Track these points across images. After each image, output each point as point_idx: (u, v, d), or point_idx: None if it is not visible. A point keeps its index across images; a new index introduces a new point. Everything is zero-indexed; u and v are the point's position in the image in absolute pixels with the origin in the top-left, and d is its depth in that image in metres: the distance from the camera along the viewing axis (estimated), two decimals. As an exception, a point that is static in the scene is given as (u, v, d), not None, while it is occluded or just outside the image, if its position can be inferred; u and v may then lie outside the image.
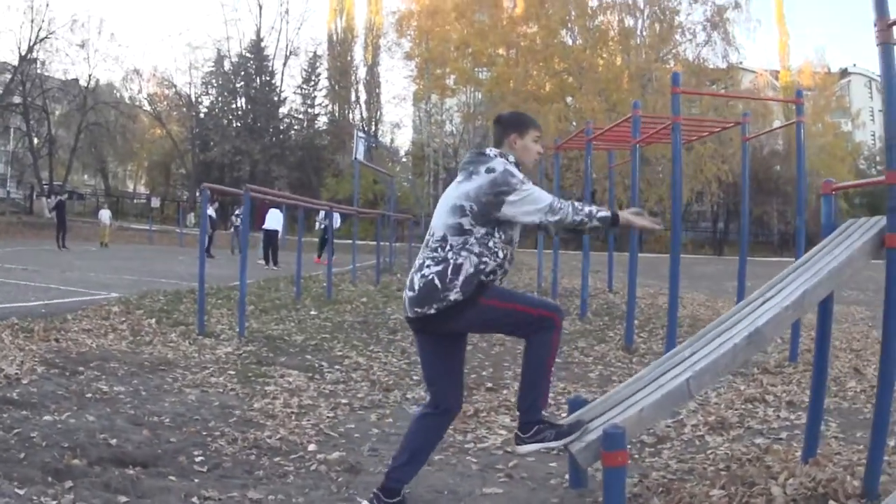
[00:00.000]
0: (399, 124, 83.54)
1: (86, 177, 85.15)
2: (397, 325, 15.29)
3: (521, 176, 5.32)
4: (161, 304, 15.92)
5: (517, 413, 5.63)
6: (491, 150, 5.58)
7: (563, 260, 22.72)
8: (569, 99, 67.91)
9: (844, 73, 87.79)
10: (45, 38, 62.67)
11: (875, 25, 6.20)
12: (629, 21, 68.07)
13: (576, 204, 5.31)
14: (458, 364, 5.69)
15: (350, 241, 29.32)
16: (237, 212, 39.77)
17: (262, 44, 77.36)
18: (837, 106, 77.84)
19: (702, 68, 65.79)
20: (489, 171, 5.34)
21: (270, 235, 31.55)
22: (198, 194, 62.03)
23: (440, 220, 5.43)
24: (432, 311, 5.23)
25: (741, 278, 15.38)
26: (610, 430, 5.12)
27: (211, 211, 36.88)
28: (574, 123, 59.81)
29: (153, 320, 13.79)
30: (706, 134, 20.70)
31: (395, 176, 43.62)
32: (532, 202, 5.24)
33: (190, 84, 77.04)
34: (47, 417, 7.37)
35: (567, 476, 6.50)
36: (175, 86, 76.62)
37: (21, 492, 5.36)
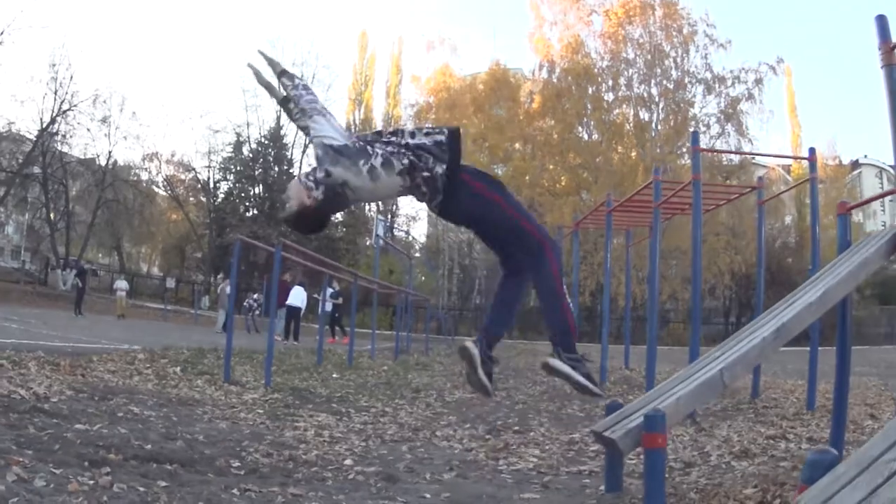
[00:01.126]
0: (415, 217, 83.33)
1: (100, 255, 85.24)
2: (420, 386, 15.33)
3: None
4: (185, 357, 15.83)
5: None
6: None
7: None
8: (584, 193, 68.06)
9: (856, 164, 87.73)
10: (67, 110, 62.58)
11: (879, 49, 6.34)
12: (644, 115, 68.28)
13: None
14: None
15: (370, 330, 29.39)
16: (255, 296, 40.00)
17: (282, 132, 77.50)
18: (849, 197, 77.75)
19: (715, 163, 65.94)
20: None
21: (293, 311, 31.73)
22: (213, 279, 62.08)
23: None
24: None
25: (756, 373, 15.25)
26: (650, 413, 5.33)
27: (227, 286, 37.10)
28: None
29: (178, 368, 13.70)
30: (723, 202, 20.75)
31: (412, 258, 43.60)
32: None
33: (209, 168, 77.16)
34: (79, 426, 7.32)
35: (601, 488, 6.57)
36: (194, 169, 76.73)
37: (57, 471, 5.33)
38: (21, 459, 5.44)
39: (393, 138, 5.44)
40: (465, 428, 9.90)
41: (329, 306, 31.40)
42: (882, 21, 6.94)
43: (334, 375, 16.79)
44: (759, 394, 13.80)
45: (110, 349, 15.78)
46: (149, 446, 6.73)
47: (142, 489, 5.29)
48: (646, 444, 5.30)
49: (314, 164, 5.41)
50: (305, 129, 5.74)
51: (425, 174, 5.34)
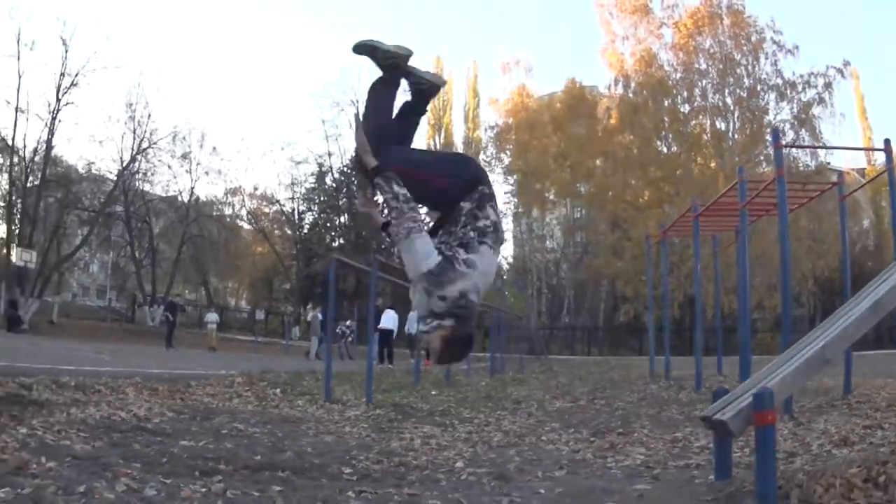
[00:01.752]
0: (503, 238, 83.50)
1: (187, 291, 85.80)
2: (520, 398, 15.28)
3: None
4: (284, 379, 15.85)
5: None
6: None
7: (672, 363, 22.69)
8: (666, 206, 67.86)
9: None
10: (147, 148, 63.16)
11: None
12: (720, 124, 67.99)
13: None
14: None
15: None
16: (348, 322, 40.08)
17: (364, 160, 77.80)
18: (919, 199, 76.90)
19: (791, 169, 65.46)
20: None
21: (386, 335, 31.95)
22: (302, 309, 62.30)
23: None
24: None
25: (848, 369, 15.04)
26: (759, 392, 5.47)
27: (318, 313, 37.22)
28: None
29: (277, 390, 13.71)
30: (805, 201, 20.47)
31: (503, 279, 43.49)
32: None
33: (293, 199, 77.65)
34: (184, 442, 7.36)
35: (710, 477, 6.54)
36: (278, 201, 77.30)
37: (167, 481, 5.27)
38: (129, 471, 5.38)
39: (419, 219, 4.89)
40: (570, 432, 9.82)
41: (415, 328, 31.47)
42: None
43: (433, 392, 16.72)
44: (852, 390, 13.57)
45: (208, 375, 15.84)
46: (258, 457, 6.74)
47: (256, 494, 5.23)
48: (756, 422, 5.41)
49: (423, 304, 4.72)
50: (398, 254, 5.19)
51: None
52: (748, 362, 13.98)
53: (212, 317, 43.81)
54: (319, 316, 37.90)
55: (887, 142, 14.52)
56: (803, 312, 71.68)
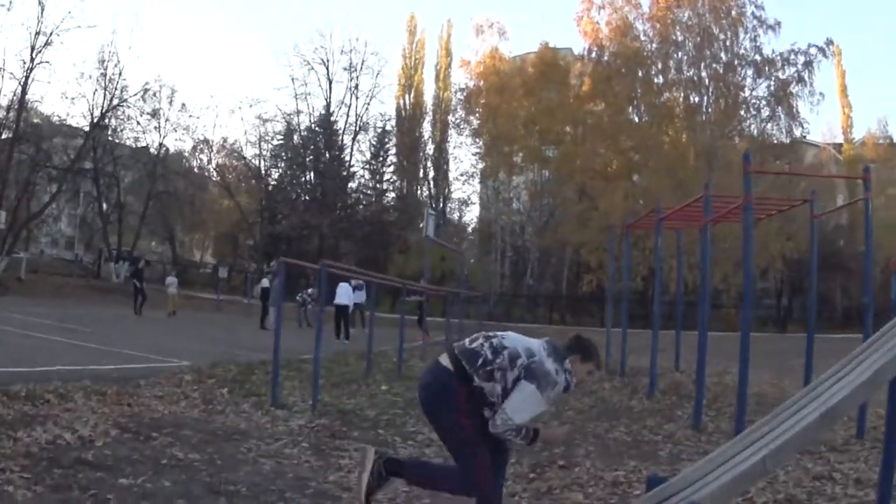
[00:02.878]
0: (467, 201, 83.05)
1: (153, 244, 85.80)
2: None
3: (552, 394, 6.15)
4: (233, 374, 15.85)
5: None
6: (568, 365, 6.25)
7: (630, 338, 22.57)
8: (635, 177, 67.81)
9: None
10: (117, 105, 63.81)
11: None
12: (694, 98, 67.86)
13: (522, 430, 6.02)
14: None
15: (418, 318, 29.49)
16: (309, 290, 39.85)
17: (332, 118, 77.95)
18: (901, 179, 76.96)
19: (766, 144, 65.41)
20: (557, 371, 6.12)
21: (341, 310, 31.81)
22: (265, 267, 62.35)
23: (520, 343, 6.26)
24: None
25: (809, 356, 15.26)
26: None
27: (267, 282, 37.14)
28: (641, 202, 59.70)
29: (225, 390, 13.80)
30: (774, 212, 20.58)
31: (465, 254, 43.63)
32: (522, 403, 5.97)
33: (259, 156, 77.50)
34: (123, 480, 7.46)
35: None
36: (245, 158, 77.17)
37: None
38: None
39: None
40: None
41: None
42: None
43: (383, 388, 16.84)
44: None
45: (158, 368, 15.97)
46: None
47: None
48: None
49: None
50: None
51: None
52: (703, 364, 14.10)
53: (171, 280, 43.34)
54: (265, 283, 37.64)
55: (867, 170, 14.66)
56: (770, 287, 72.15)
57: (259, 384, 14.84)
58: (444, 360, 6.25)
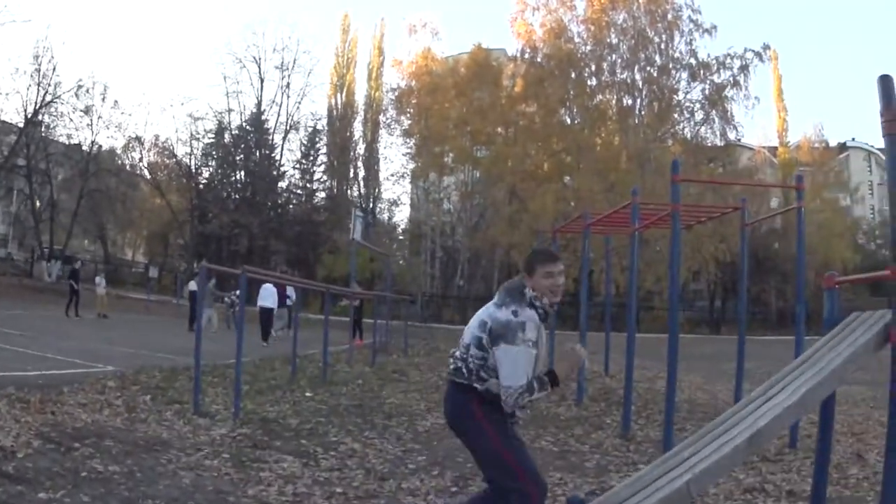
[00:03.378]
0: (397, 202, 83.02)
1: (86, 242, 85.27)
2: (393, 409, 15.32)
3: (528, 335, 5.79)
4: (157, 381, 15.79)
5: None
6: (527, 291, 6.02)
7: (558, 341, 22.48)
8: (566, 179, 68.03)
9: (843, 147, 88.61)
10: (51, 102, 63.54)
11: (882, 116, 6.09)
12: (628, 100, 68.33)
13: (533, 386, 5.78)
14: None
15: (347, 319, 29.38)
16: (237, 292, 39.66)
17: (263, 117, 78.13)
18: (836, 181, 77.71)
19: (700, 147, 66.10)
20: (514, 312, 5.85)
21: (264, 312, 31.34)
22: (195, 267, 62.12)
23: (470, 330, 6.02)
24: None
25: (740, 361, 15.43)
26: None
27: (195, 285, 36.96)
28: (573, 204, 59.94)
29: (148, 397, 13.70)
30: (705, 219, 20.72)
31: (392, 256, 43.39)
32: (510, 366, 5.74)
33: (190, 155, 77.13)
34: (42, 495, 7.43)
35: None
36: (176, 156, 76.73)
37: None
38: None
39: None
40: (433, 475, 9.84)
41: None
42: (886, 83, 6.21)
43: (307, 394, 16.73)
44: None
45: (83, 374, 15.84)
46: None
47: None
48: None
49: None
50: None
51: None
52: (632, 372, 14.30)
53: (99, 280, 42.77)
54: (192, 286, 37.26)
55: (800, 178, 14.79)
56: (702, 289, 72.75)
57: (182, 391, 14.77)
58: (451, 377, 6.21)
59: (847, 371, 6.09)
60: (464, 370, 5.94)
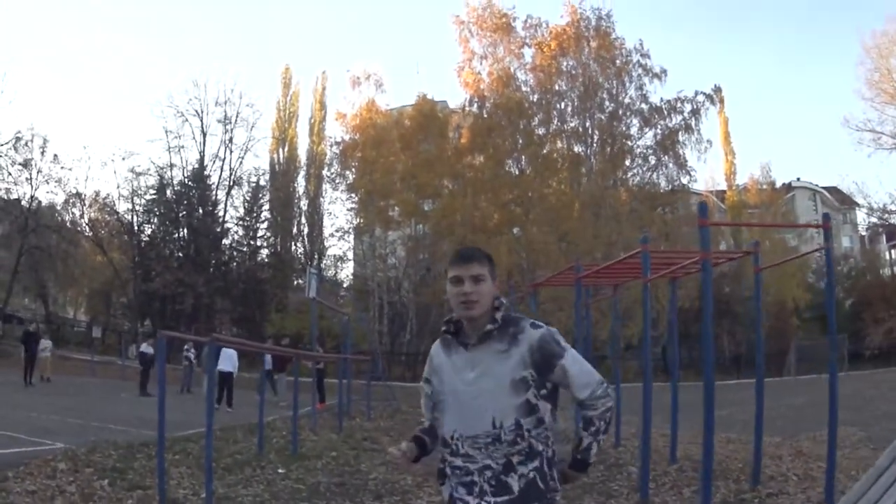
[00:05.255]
0: (342, 258, 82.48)
1: (26, 300, 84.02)
2: (380, 487, 13.87)
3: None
4: (113, 460, 14.23)
5: None
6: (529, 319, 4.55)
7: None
8: (515, 230, 67.42)
9: (789, 187, 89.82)
10: (-12, 154, 62.15)
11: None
12: (579, 148, 67.97)
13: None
14: None
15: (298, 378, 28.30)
16: (193, 351, 38.47)
17: (206, 172, 77.15)
18: (784, 221, 78.30)
19: (650, 193, 65.89)
20: (534, 325, 4.47)
21: (224, 377, 30.16)
22: (140, 326, 60.87)
23: (497, 401, 4.36)
24: None
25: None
26: None
27: (147, 347, 35.84)
28: (524, 255, 59.40)
29: (105, 481, 12.20)
30: (724, 261, 20.16)
31: (345, 314, 42.27)
32: (579, 367, 4.40)
33: (132, 211, 76.21)
34: None
35: None
36: (117, 212, 75.86)
37: None
38: None
39: None
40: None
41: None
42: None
43: (280, 471, 15.29)
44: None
45: (30, 454, 14.31)
46: None
47: None
48: None
49: None
50: None
51: None
52: (649, 430, 13.08)
53: (45, 343, 41.35)
54: (149, 350, 36.32)
55: (827, 217, 13.85)
56: (657, 335, 72.49)
57: (143, 472, 13.29)
58: None
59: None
60: (501, 438, 4.31)
